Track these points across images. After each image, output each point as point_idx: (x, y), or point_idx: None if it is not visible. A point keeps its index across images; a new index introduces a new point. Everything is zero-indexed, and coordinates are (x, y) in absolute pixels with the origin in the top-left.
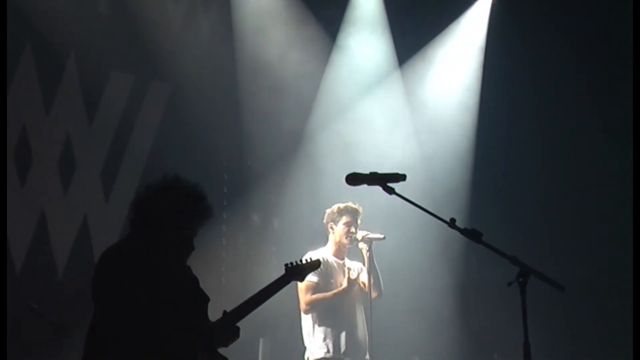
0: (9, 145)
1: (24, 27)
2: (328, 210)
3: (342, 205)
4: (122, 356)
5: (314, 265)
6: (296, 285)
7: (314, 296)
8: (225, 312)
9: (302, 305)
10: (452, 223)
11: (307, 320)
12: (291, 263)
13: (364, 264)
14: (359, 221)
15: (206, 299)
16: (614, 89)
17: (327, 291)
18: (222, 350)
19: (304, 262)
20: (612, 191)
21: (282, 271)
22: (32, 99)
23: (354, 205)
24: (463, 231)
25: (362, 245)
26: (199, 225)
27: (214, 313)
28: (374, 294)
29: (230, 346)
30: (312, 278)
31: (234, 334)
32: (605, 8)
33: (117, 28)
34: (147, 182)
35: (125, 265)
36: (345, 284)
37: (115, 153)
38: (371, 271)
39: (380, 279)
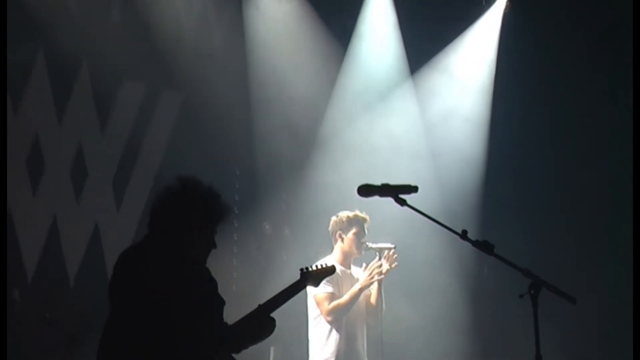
0: (21, 154)
1: (37, 35)
2: (335, 219)
3: (350, 214)
4: (136, 357)
5: (330, 270)
6: (306, 296)
7: (334, 304)
8: (259, 305)
9: (325, 317)
10: (464, 235)
11: (312, 331)
12: (306, 268)
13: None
14: (366, 230)
15: (222, 303)
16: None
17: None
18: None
19: (319, 267)
20: (631, 199)
21: (294, 277)
22: (45, 107)
23: (362, 214)
24: (475, 243)
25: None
26: (217, 224)
27: (226, 319)
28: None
29: (241, 355)
30: (327, 289)
31: (272, 324)
32: (620, 12)
33: (129, 36)
34: (164, 184)
35: (144, 267)
36: (359, 286)
37: (126, 162)
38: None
39: (383, 304)
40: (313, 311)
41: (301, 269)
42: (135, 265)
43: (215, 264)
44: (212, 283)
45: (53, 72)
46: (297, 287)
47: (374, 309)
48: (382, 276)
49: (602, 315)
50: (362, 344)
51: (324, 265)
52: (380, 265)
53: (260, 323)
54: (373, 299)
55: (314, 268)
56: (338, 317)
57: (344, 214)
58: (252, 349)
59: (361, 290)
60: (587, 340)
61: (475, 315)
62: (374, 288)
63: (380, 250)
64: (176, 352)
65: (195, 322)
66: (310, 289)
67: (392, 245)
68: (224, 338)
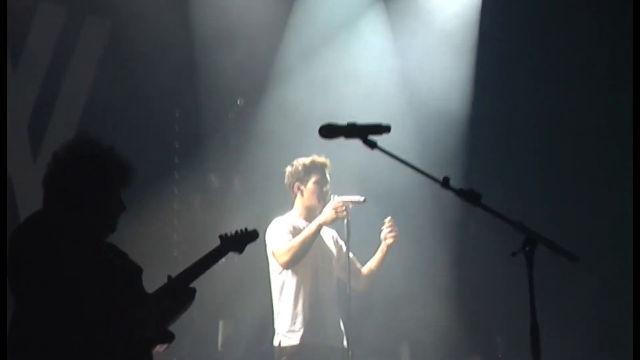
0: None
1: None
2: (289, 169)
3: (307, 161)
4: (55, 346)
5: (252, 235)
6: (268, 266)
7: (288, 245)
8: (169, 277)
9: (280, 260)
10: (445, 183)
11: (277, 301)
12: (225, 234)
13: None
14: (328, 176)
15: (139, 270)
16: (613, 52)
17: (304, 262)
18: (179, 332)
19: (239, 232)
20: (615, 154)
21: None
22: None
23: (320, 159)
24: (459, 192)
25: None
26: (118, 185)
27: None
28: (365, 286)
29: (189, 330)
30: (289, 237)
31: (190, 294)
32: None
33: None
34: (54, 150)
35: (39, 247)
36: (317, 222)
37: (44, 103)
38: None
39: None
40: (276, 281)
41: (220, 236)
42: (33, 249)
43: (152, 224)
44: (120, 255)
45: None
46: (215, 255)
47: (369, 276)
48: (345, 213)
49: (602, 278)
50: (333, 311)
51: (244, 230)
52: (345, 204)
53: (176, 297)
54: (374, 264)
55: (234, 233)
56: (294, 261)
57: (300, 162)
58: (200, 324)
59: (319, 226)
60: (585, 310)
61: (460, 279)
62: (379, 253)
63: (347, 204)
64: (96, 342)
65: (110, 299)
66: (268, 245)
67: (362, 198)
68: (144, 317)
